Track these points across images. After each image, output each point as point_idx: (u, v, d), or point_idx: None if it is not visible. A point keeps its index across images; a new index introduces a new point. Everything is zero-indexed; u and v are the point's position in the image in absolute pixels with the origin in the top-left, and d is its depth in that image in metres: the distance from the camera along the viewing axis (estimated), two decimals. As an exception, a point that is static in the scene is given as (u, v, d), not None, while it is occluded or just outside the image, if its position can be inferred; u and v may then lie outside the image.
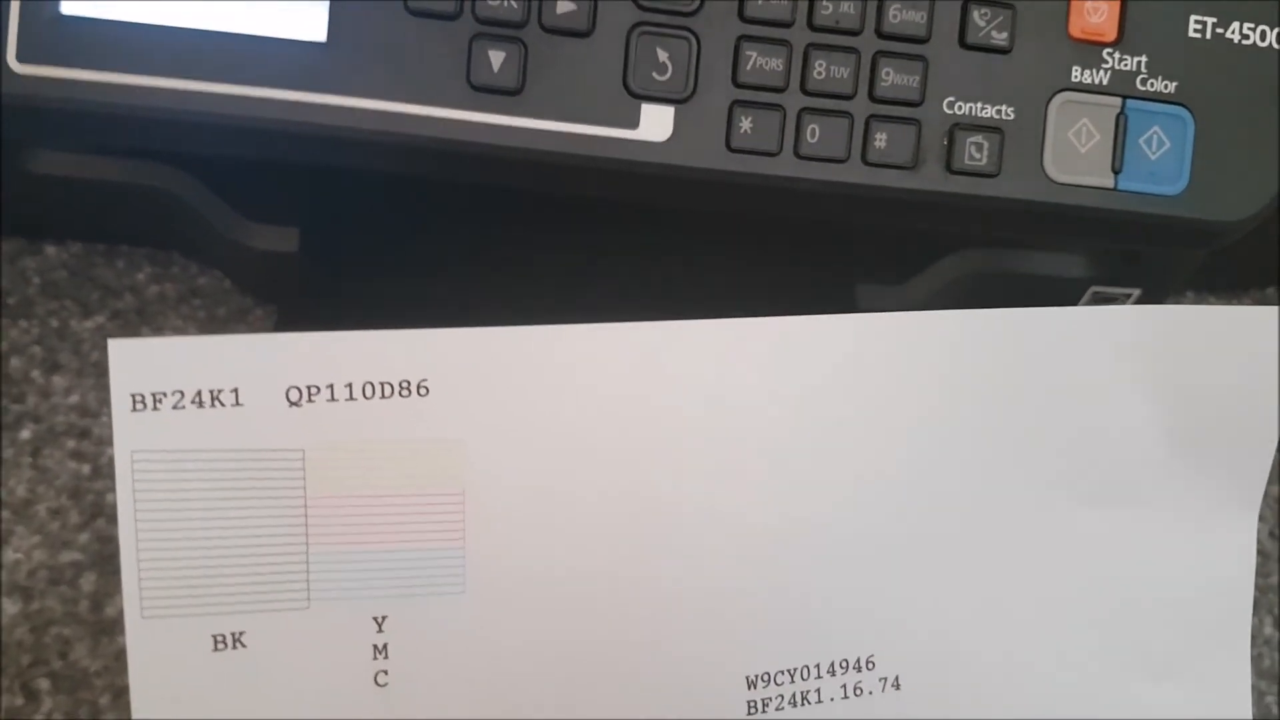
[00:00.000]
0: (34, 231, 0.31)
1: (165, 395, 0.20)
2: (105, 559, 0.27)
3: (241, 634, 0.20)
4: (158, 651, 0.20)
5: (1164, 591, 0.25)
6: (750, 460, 0.22)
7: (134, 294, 0.31)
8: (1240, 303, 0.38)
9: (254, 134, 0.23)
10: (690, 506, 0.22)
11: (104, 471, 0.28)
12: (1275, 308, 0.25)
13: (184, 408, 0.20)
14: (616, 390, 0.22)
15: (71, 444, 0.29)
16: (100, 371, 0.30)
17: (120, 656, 0.26)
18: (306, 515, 0.20)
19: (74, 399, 0.29)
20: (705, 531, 0.22)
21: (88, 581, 0.27)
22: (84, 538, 0.28)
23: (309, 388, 0.20)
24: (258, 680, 0.20)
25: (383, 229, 0.29)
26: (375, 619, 0.21)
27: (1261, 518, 0.34)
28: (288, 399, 0.20)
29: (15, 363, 0.29)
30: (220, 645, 0.20)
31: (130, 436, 0.20)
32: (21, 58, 0.22)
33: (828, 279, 0.31)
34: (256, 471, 0.20)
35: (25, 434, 0.29)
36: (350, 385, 0.20)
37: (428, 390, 0.20)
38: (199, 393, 0.20)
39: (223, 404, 0.20)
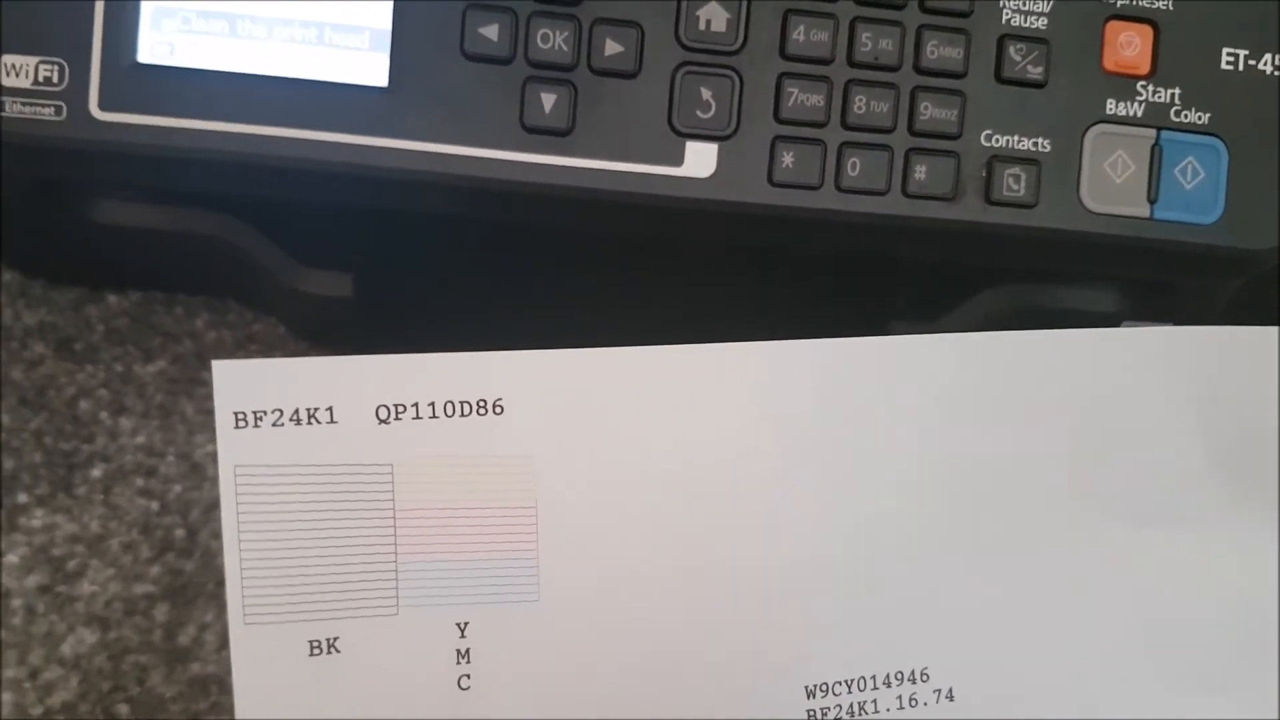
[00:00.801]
0: (96, 281, 0.32)
1: (265, 413, 0.21)
2: (176, 590, 0.28)
3: (336, 639, 0.21)
4: (259, 656, 0.21)
5: (1203, 608, 0.25)
6: (808, 475, 0.23)
7: (193, 339, 0.32)
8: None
9: (319, 177, 0.24)
10: (750, 520, 0.23)
11: (171, 508, 0.29)
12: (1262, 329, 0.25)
13: (283, 425, 0.21)
14: (678, 408, 0.22)
15: (140, 482, 0.30)
16: (164, 413, 0.31)
17: (194, 683, 0.27)
18: (395, 526, 0.21)
19: (140, 439, 0.30)
20: (765, 543, 0.23)
21: (161, 612, 0.28)
22: (155, 570, 0.29)
23: (396, 406, 0.21)
24: (350, 683, 0.21)
25: (435, 274, 0.30)
26: (458, 625, 0.22)
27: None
28: (377, 417, 0.21)
29: (84, 405, 0.31)
30: (316, 650, 0.21)
31: (233, 451, 0.21)
32: (104, 105, 0.24)
33: (862, 315, 0.31)
34: (349, 485, 0.21)
35: (96, 473, 0.30)
36: (433, 404, 0.21)
37: (503, 409, 0.21)
38: (296, 410, 0.21)
39: (318, 421, 0.21)
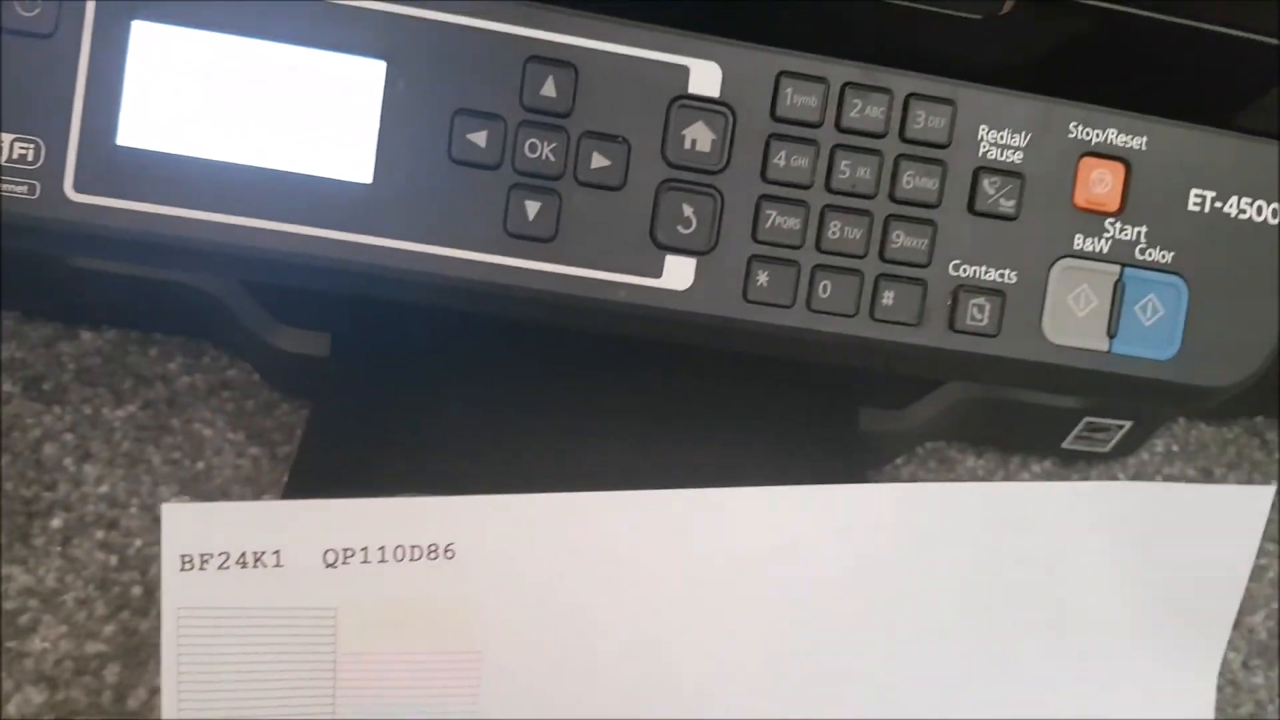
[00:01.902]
0: (70, 317, 0.32)
1: (212, 556, 0.21)
2: (130, 651, 0.28)
3: None
4: None
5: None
6: (757, 623, 0.24)
7: (165, 384, 0.32)
8: (1230, 430, 0.39)
9: (296, 268, 0.24)
10: (698, 671, 0.23)
11: (131, 563, 0.29)
12: (1235, 487, 0.26)
13: (228, 568, 0.21)
14: (631, 553, 0.23)
15: (100, 534, 0.30)
16: (131, 462, 0.31)
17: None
18: (336, 672, 0.22)
19: (104, 489, 0.30)
20: (712, 694, 0.24)
21: (111, 673, 0.28)
22: (109, 629, 0.29)
23: (345, 550, 0.22)
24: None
25: (413, 339, 0.30)
26: None
27: (1235, 648, 0.35)
28: (325, 560, 0.21)
29: (49, 449, 0.31)
30: None
31: (177, 594, 0.21)
32: (78, 187, 0.24)
33: (833, 403, 0.32)
34: (292, 629, 0.21)
35: (56, 522, 0.30)
36: (383, 548, 0.22)
37: (454, 553, 0.22)
38: (243, 554, 0.21)
39: (265, 564, 0.21)
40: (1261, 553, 0.36)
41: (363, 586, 0.22)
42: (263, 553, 0.21)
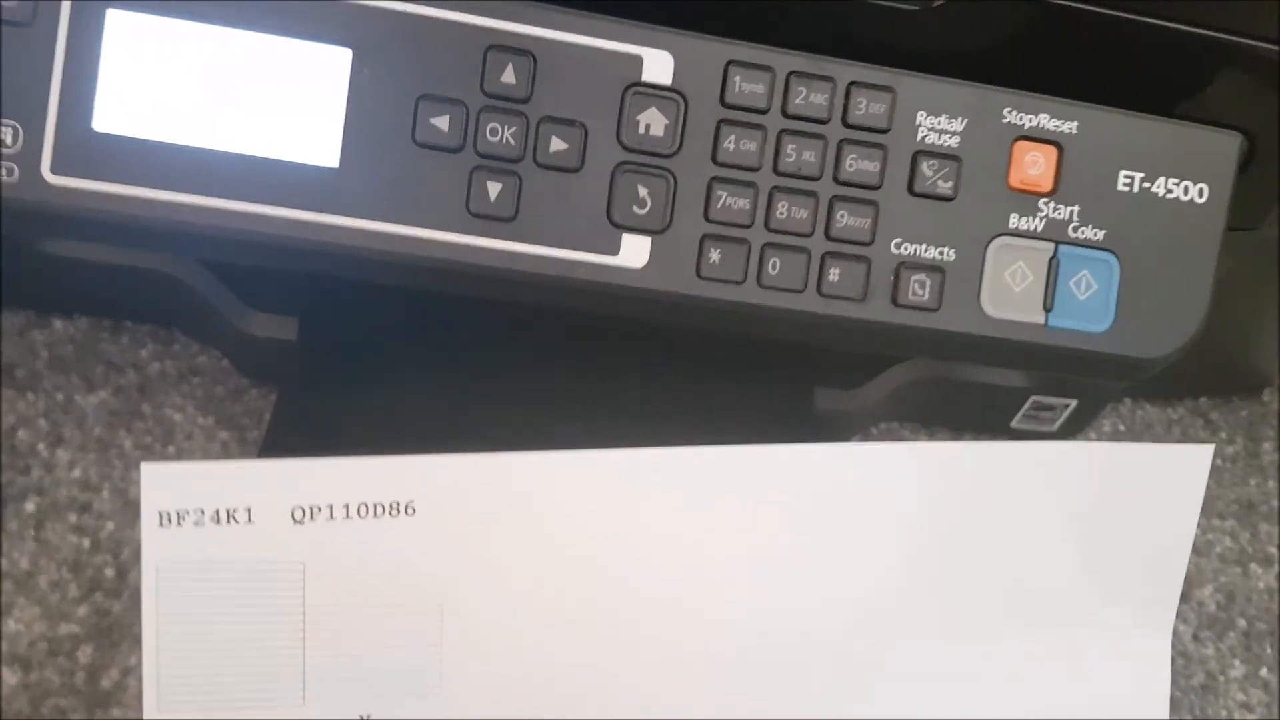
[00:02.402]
0: (43, 306, 0.33)
1: (188, 513, 0.22)
2: (102, 632, 0.29)
3: None
4: None
5: (1088, 706, 0.27)
6: (710, 579, 0.25)
7: (136, 370, 0.32)
8: (1174, 411, 0.40)
9: (267, 248, 0.25)
10: (653, 622, 0.24)
11: (103, 546, 0.30)
12: (1175, 446, 0.27)
13: (203, 524, 0.22)
14: (585, 511, 0.24)
15: (73, 518, 0.30)
16: (102, 447, 0.31)
17: (114, 729, 0.28)
18: (305, 623, 0.23)
19: (76, 473, 0.31)
20: (666, 647, 0.25)
21: (84, 654, 0.29)
22: (82, 610, 0.29)
23: (311, 507, 0.23)
24: (257, 772, 0.22)
25: (380, 323, 0.31)
26: (361, 718, 0.23)
27: (1185, 620, 0.36)
28: (293, 517, 0.22)
29: (22, 435, 0.31)
30: None
31: (156, 549, 0.22)
32: (55, 169, 0.24)
33: (789, 383, 0.33)
34: (263, 582, 0.22)
35: (30, 506, 0.30)
36: (347, 506, 0.23)
37: (414, 510, 0.23)
38: (217, 511, 0.22)
39: (237, 521, 0.22)
40: (1209, 528, 0.38)
41: (329, 542, 0.23)
42: (235, 510, 0.22)
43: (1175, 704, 0.34)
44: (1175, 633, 0.35)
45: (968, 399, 0.35)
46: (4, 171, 0.24)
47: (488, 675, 0.24)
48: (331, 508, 0.23)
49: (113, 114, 0.24)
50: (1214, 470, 0.38)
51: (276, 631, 0.22)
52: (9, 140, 0.24)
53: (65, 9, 0.24)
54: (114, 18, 0.24)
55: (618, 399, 0.31)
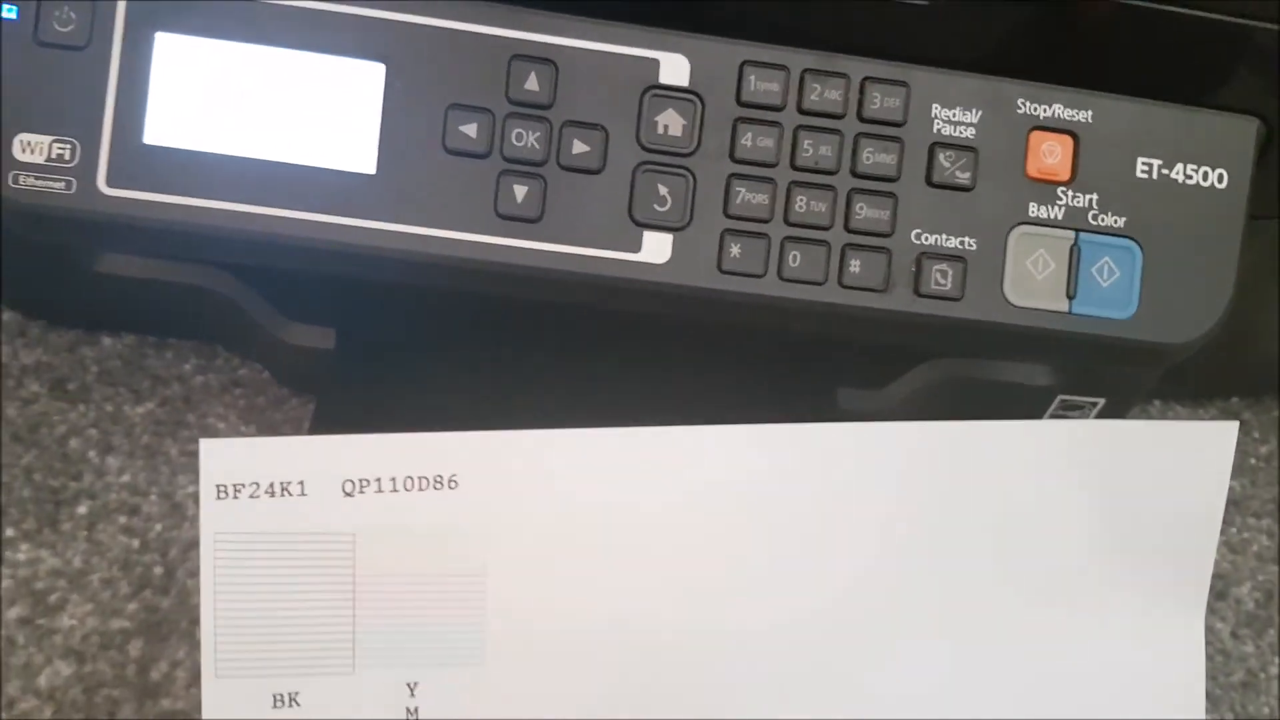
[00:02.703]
0: (92, 323, 0.34)
1: (244, 486, 0.23)
2: (151, 627, 0.30)
3: (297, 694, 0.23)
4: (227, 707, 0.23)
5: (1119, 690, 0.27)
6: (746, 554, 0.25)
7: (181, 383, 0.34)
8: (1203, 412, 0.40)
9: (307, 252, 0.26)
10: (691, 594, 0.25)
11: (151, 546, 0.31)
12: (1198, 423, 0.27)
13: (258, 497, 0.23)
14: (622, 487, 0.25)
15: (123, 520, 0.31)
16: (150, 454, 0.33)
17: (163, 719, 0.29)
18: (355, 592, 0.24)
19: (126, 478, 0.32)
20: (704, 617, 0.25)
21: (135, 647, 0.30)
22: (132, 607, 0.30)
23: (361, 481, 0.24)
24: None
25: (414, 330, 0.32)
26: (409, 685, 0.24)
27: (1223, 618, 0.36)
28: (343, 490, 0.23)
29: (74, 444, 0.32)
30: (279, 703, 0.23)
31: (214, 520, 0.23)
32: (110, 182, 0.26)
33: (811, 382, 0.34)
34: (315, 553, 0.23)
35: (82, 509, 0.31)
36: (394, 479, 0.24)
37: (457, 483, 0.24)
38: (271, 484, 0.23)
39: (290, 494, 0.23)
40: (1244, 527, 0.38)
41: (378, 514, 0.24)
42: (289, 483, 0.23)
43: (1216, 701, 0.34)
44: (1214, 630, 0.34)
45: (993, 399, 0.35)
46: (63, 185, 0.26)
47: (529, 643, 0.24)
48: (380, 481, 0.23)
49: (163, 128, 0.26)
50: (1248, 470, 0.38)
51: (328, 600, 0.23)
52: (67, 156, 0.26)
53: (118, 33, 0.26)
54: (162, 40, 0.26)
55: (641, 403, 0.32)
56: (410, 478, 0.24)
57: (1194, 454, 0.27)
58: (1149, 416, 0.39)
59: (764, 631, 0.25)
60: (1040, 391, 0.35)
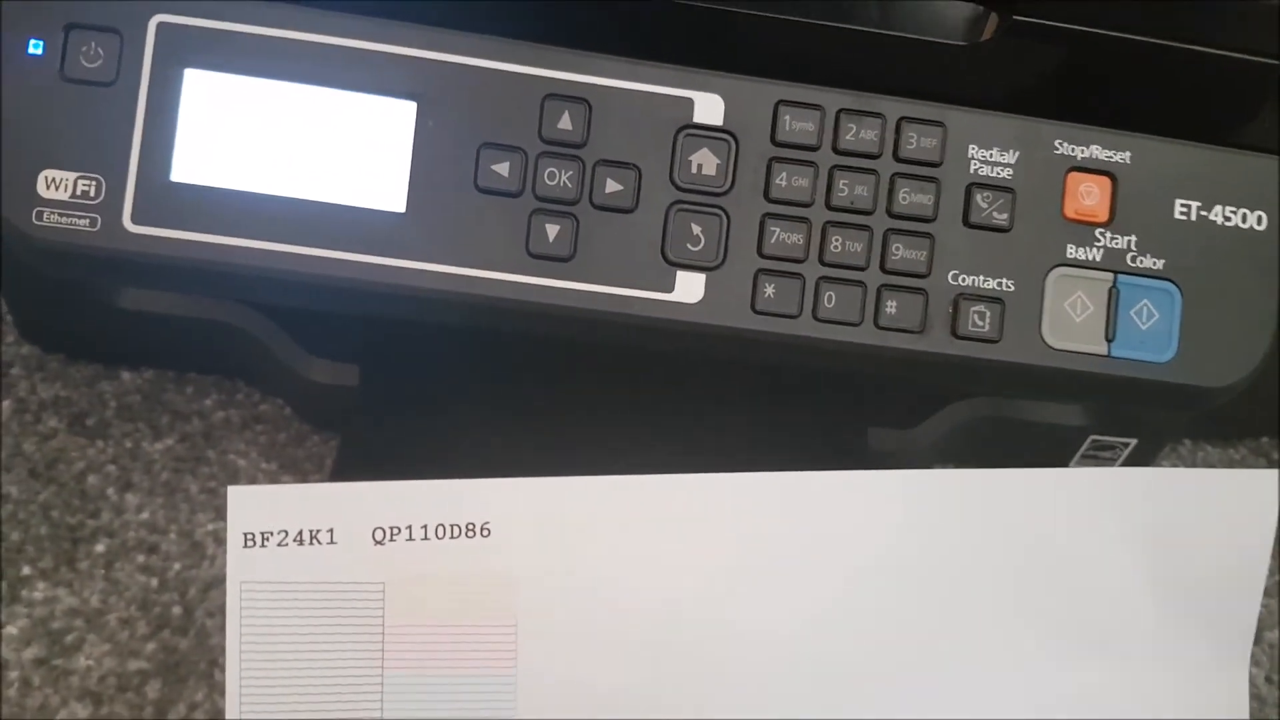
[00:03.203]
0: (112, 357, 0.34)
1: (272, 534, 0.23)
2: (169, 668, 0.29)
3: None
4: None
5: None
6: (783, 604, 0.25)
7: (201, 419, 0.33)
8: (1234, 452, 0.39)
9: (336, 291, 0.26)
10: (726, 646, 0.24)
11: (170, 585, 0.31)
12: (1242, 471, 0.27)
13: (286, 545, 0.23)
14: (655, 536, 0.24)
15: (141, 558, 0.31)
16: (169, 491, 0.32)
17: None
18: (384, 641, 0.23)
19: (144, 516, 0.32)
20: (740, 671, 0.24)
21: (152, 689, 0.29)
22: (150, 647, 0.30)
23: (392, 529, 0.23)
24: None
25: (440, 369, 0.32)
26: None
27: (1257, 663, 0.35)
28: (373, 538, 0.23)
29: (92, 480, 0.32)
30: None
31: (241, 569, 0.23)
32: (135, 219, 0.26)
33: (842, 422, 0.33)
34: (344, 602, 0.23)
35: (100, 547, 0.31)
36: (425, 527, 0.23)
37: (489, 532, 0.23)
38: (300, 532, 0.23)
39: (319, 542, 0.23)
40: (1274, 570, 0.37)
41: (408, 563, 0.23)
42: (318, 531, 0.23)
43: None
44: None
45: (1025, 439, 0.35)
46: (88, 222, 0.25)
47: (564, 699, 0.24)
48: (410, 529, 0.23)
49: (190, 165, 0.26)
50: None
51: (356, 650, 0.23)
52: (92, 192, 0.25)
53: (146, 69, 0.25)
54: (191, 77, 0.26)
55: (672, 444, 0.31)
56: (442, 525, 0.23)
57: (1236, 503, 0.26)
58: (1179, 456, 0.39)
59: (802, 684, 0.25)
60: (1073, 431, 0.34)
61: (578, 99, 0.26)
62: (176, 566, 0.31)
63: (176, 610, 0.30)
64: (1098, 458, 0.36)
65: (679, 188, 0.26)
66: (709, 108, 0.27)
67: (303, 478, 0.33)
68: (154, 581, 0.31)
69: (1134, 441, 0.35)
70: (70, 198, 0.25)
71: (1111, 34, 0.27)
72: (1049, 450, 0.35)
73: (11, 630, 0.30)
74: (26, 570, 0.31)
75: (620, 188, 0.26)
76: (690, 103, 0.27)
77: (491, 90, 0.26)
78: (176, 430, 0.33)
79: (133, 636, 0.30)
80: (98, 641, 0.29)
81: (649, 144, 0.26)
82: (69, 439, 0.32)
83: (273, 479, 0.33)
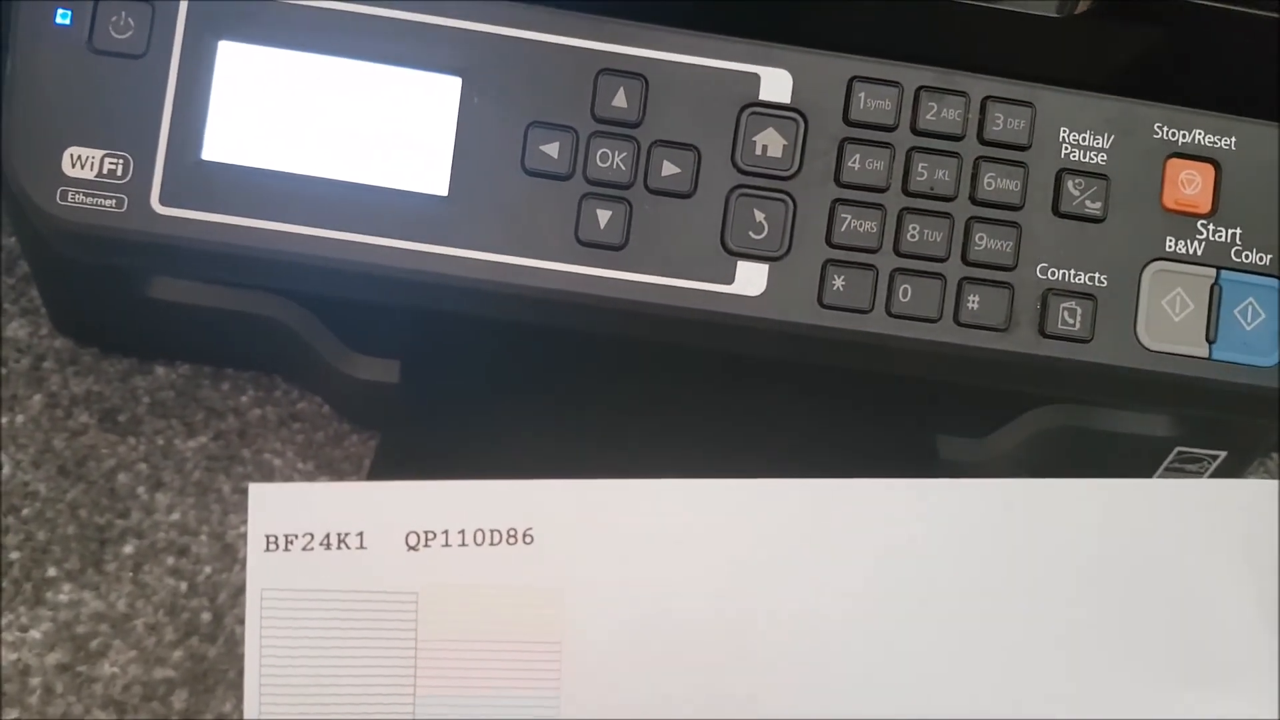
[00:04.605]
0: (146, 352, 0.33)
1: (296, 537, 0.21)
2: (197, 677, 0.28)
3: None
4: None
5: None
6: (838, 613, 0.23)
7: (236, 416, 0.32)
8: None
9: (373, 279, 0.24)
10: (779, 658, 0.22)
11: (200, 589, 0.29)
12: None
13: (312, 549, 0.21)
14: (709, 542, 0.22)
15: (171, 561, 0.30)
16: (201, 491, 0.31)
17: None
18: (416, 656, 0.21)
19: (175, 516, 0.30)
20: (793, 682, 0.22)
21: (179, 699, 0.28)
22: (178, 655, 0.28)
23: (426, 533, 0.21)
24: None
25: (485, 366, 0.30)
26: None
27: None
28: (407, 543, 0.21)
29: (122, 478, 0.31)
30: None
31: (262, 575, 0.21)
32: (165, 200, 0.24)
33: (909, 429, 0.31)
34: (374, 612, 0.21)
35: (128, 549, 0.30)
36: (463, 532, 0.21)
37: (533, 538, 0.21)
38: (327, 535, 0.21)
39: (348, 546, 0.21)
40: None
41: (444, 570, 0.21)
42: (346, 534, 0.21)
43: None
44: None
45: (1105, 450, 0.32)
46: (114, 203, 0.24)
47: (609, 713, 0.22)
48: (447, 533, 0.21)
49: (222, 143, 0.24)
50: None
51: (386, 666, 0.21)
52: (119, 172, 0.24)
53: (178, 40, 0.24)
54: (225, 49, 0.24)
55: (732, 449, 0.29)
56: (481, 530, 0.21)
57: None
58: (1267, 470, 0.36)
59: (861, 699, 0.22)
60: (1158, 443, 0.32)
61: (633, 74, 0.24)
62: (207, 570, 0.30)
63: (206, 616, 0.29)
64: (1183, 471, 0.33)
65: (741, 171, 0.25)
66: (776, 84, 0.25)
67: (339, 479, 0.31)
68: (183, 585, 0.29)
69: (1223, 454, 0.32)
70: (96, 176, 0.24)
71: (1217, 5, 0.25)
72: (1131, 463, 0.33)
73: (35, 634, 0.29)
74: (52, 571, 0.29)
75: (678, 170, 0.24)
76: (756, 78, 0.25)
77: (541, 65, 0.24)
78: (210, 428, 0.32)
79: (160, 643, 0.28)
80: (123, 648, 0.28)
81: (709, 123, 0.25)
82: (100, 435, 0.31)
83: (309, 479, 0.31)
